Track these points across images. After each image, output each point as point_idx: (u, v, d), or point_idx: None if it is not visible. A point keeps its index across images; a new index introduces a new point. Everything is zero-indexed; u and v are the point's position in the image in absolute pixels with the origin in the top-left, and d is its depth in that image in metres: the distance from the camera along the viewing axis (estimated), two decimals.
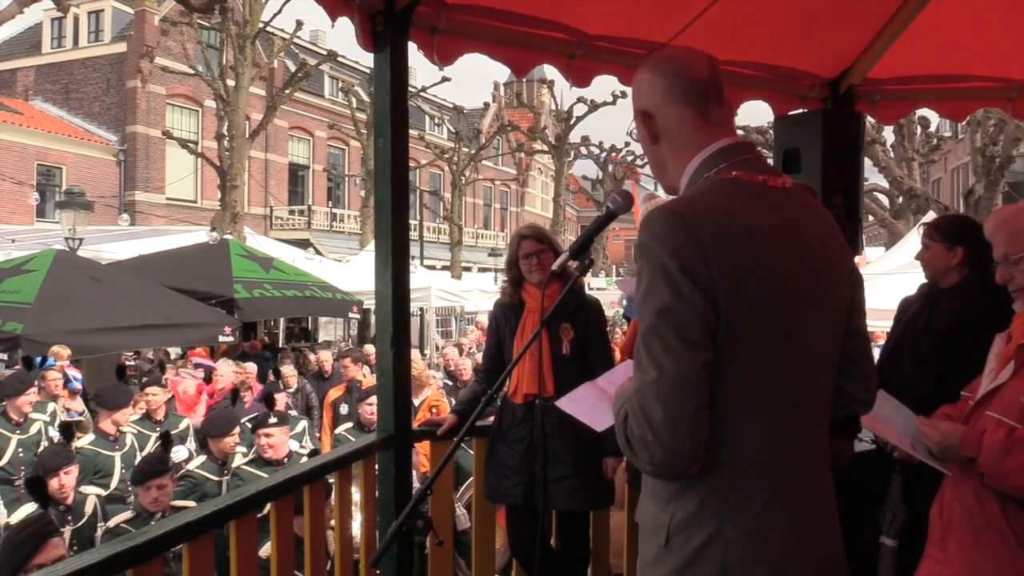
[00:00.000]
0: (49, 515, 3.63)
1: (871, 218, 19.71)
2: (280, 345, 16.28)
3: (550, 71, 3.73)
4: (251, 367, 9.25)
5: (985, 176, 15.48)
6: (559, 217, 30.51)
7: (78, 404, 7.69)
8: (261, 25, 16.59)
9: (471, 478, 4.05)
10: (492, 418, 3.55)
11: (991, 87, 4.28)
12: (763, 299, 1.45)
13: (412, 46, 3.12)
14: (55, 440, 6.41)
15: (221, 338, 9.80)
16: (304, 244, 23.68)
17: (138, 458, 5.88)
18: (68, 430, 5.93)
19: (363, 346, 11.68)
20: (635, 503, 3.52)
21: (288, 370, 9.44)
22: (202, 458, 5.40)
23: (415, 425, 3.58)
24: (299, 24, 18.58)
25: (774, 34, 3.81)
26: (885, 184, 18.90)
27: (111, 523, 4.41)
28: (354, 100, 22.83)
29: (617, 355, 3.90)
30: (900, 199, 18.22)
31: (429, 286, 16.31)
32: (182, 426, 6.87)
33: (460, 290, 18.29)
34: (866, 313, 1.74)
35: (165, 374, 9.88)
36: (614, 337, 14.98)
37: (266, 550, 3.03)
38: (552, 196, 32.48)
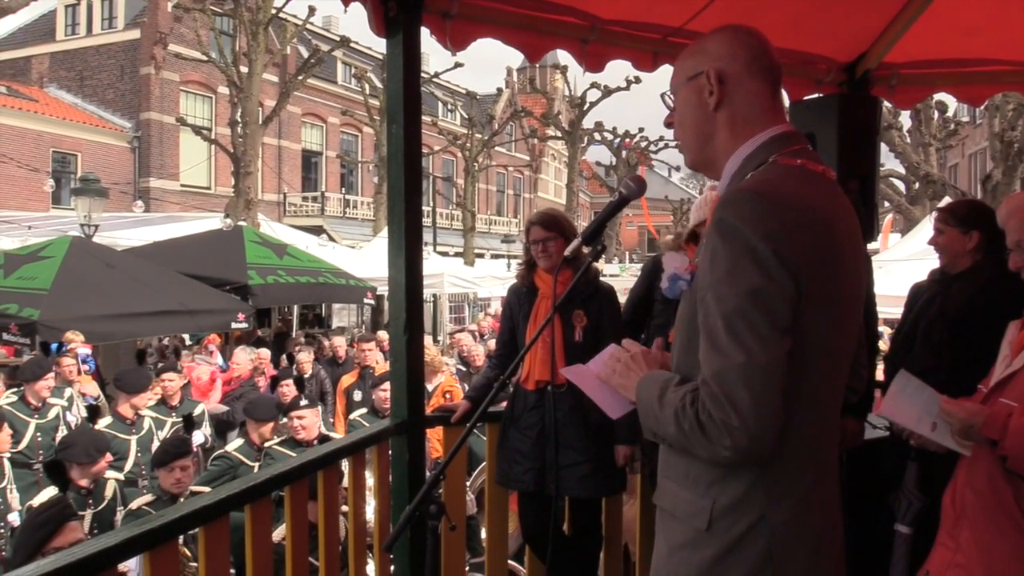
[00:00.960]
0: (67, 499, 3.68)
1: (887, 204, 19.57)
2: (294, 332, 16.34)
3: (563, 56, 3.71)
4: (264, 353, 9.32)
5: (1003, 162, 15.31)
6: (572, 203, 30.42)
7: (93, 388, 7.75)
8: (274, 11, 16.57)
9: (483, 464, 4.07)
10: (505, 404, 3.56)
11: (1009, 71, 4.23)
12: (830, 288, 1.46)
13: (425, 31, 3.11)
14: (73, 424, 6.49)
15: (234, 325, 9.85)
16: (317, 230, 23.75)
17: (155, 442, 5.94)
18: (94, 411, 6.01)
19: (376, 332, 11.71)
20: (646, 491, 3.55)
21: (303, 356, 9.51)
22: (240, 441, 5.47)
23: (428, 411, 3.59)
24: (312, 10, 18.55)
25: (789, 18, 3.77)
26: (901, 170, 18.75)
27: (133, 505, 4.46)
28: (367, 86, 22.80)
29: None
30: (917, 185, 18.08)
31: (442, 272, 16.33)
32: (197, 411, 6.92)
33: (473, 276, 18.30)
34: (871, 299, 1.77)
35: (180, 360, 9.96)
36: None
37: (280, 534, 3.05)
38: (565, 182, 32.37)
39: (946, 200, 11.63)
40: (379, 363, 8.45)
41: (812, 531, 1.50)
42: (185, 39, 23.61)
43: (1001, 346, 2.25)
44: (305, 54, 21.50)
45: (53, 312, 8.10)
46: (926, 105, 17.33)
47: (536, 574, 3.53)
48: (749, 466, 1.46)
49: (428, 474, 3.20)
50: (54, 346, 7.81)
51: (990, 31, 3.90)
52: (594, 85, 27.25)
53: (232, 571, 2.64)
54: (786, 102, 4.28)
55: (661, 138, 31.91)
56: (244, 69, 16.30)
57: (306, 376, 8.96)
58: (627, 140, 31.62)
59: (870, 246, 3.80)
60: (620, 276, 25.22)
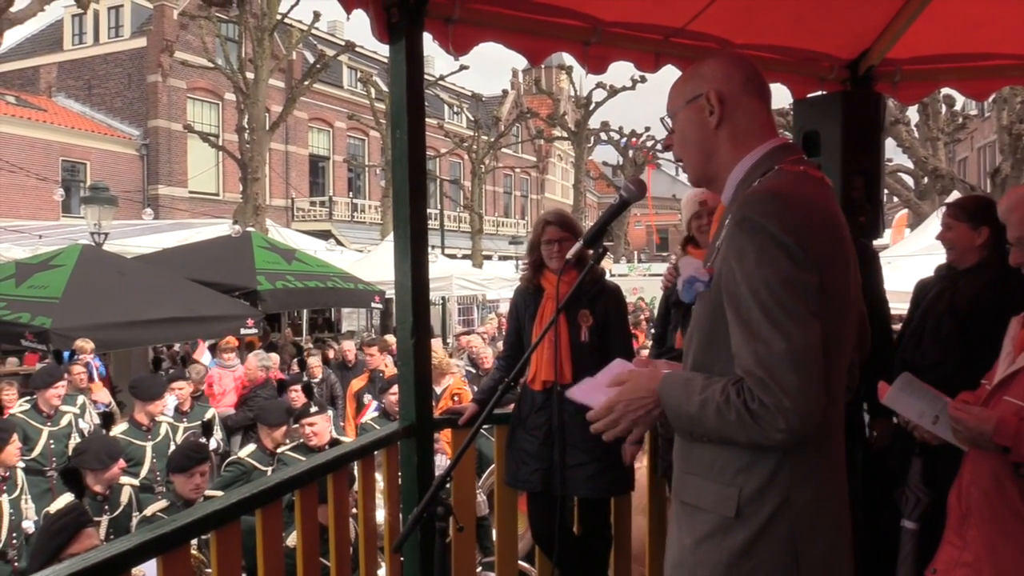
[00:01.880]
0: (83, 505, 3.72)
1: (895, 199, 19.48)
2: (304, 336, 16.40)
3: (568, 57, 3.73)
4: (274, 357, 9.37)
5: (1012, 155, 15.22)
6: (579, 203, 30.43)
7: (104, 395, 7.81)
8: (279, 17, 16.64)
9: (492, 465, 4.08)
10: (512, 405, 3.57)
11: (1013, 65, 4.21)
12: (841, 282, 1.56)
13: (427, 36, 3.13)
14: (85, 431, 6.54)
15: (243, 331, 9.90)
16: (326, 235, 23.81)
17: (171, 448, 5.98)
18: (108, 418, 6.05)
19: (385, 336, 11.75)
20: (658, 494, 3.56)
21: (313, 360, 9.56)
22: (252, 446, 5.50)
23: (437, 413, 3.61)
24: (316, 15, 18.62)
25: (791, 16, 3.78)
26: (910, 164, 18.66)
27: (147, 512, 4.48)
28: (372, 90, 22.88)
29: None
30: (925, 179, 17.99)
31: (450, 275, 16.35)
32: (208, 416, 6.97)
33: (481, 278, 18.32)
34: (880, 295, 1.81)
35: (187, 367, 10.00)
36: (640, 323, 14.97)
37: (291, 539, 3.08)
38: (572, 183, 32.38)
39: (955, 195, 11.59)
40: (387, 366, 8.49)
41: (832, 518, 1.59)
42: (191, 46, 23.72)
43: (1003, 342, 2.25)
44: (311, 59, 21.60)
45: (65, 320, 8.16)
46: (933, 99, 17.23)
47: (547, 574, 3.54)
48: (775, 452, 1.53)
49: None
50: (66, 354, 7.86)
51: (993, 25, 3.89)
52: (600, 85, 27.27)
53: (243, 575, 2.66)
54: (789, 100, 4.30)
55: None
56: (250, 75, 16.38)
57: (315, 380, 9.01)
58: (633, 139, 31.60)
59: (877, 242, 3.80)
60: (628, 276, 25.22)
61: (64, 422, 6.66)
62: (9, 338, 8.52)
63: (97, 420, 6.83)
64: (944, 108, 18.43)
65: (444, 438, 5.30)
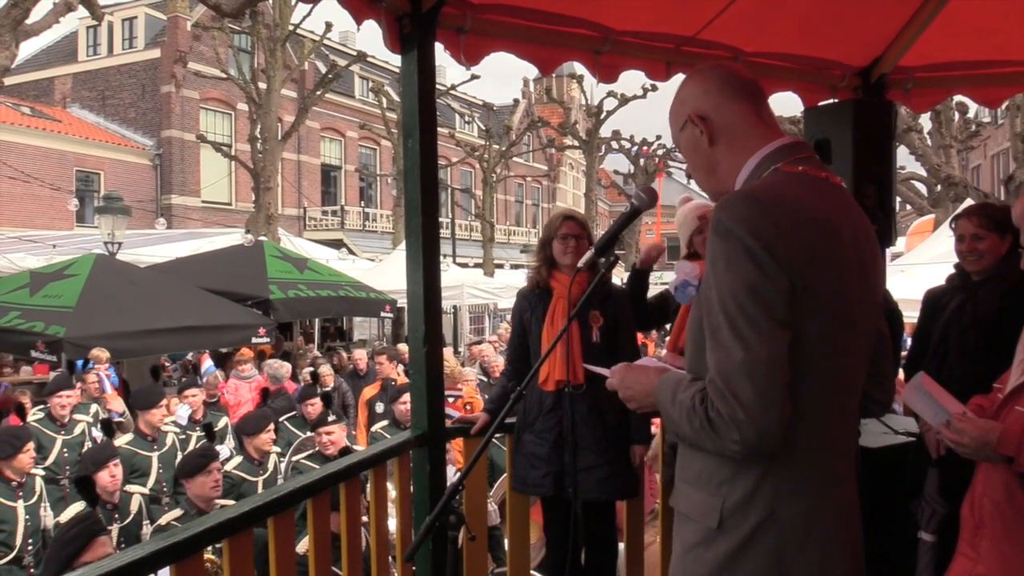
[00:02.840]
0: (97, 514, 3.73)
1: (908, 207, 19.38)
2: (315, 344, 16.42)
3: (579, 66, 3.74)
4: (287, 366, 9.39)
5: None
6: (591, 212, 30.37)
7: (119, 405, 7.84)
8: (291, 28, 16.72)
9: (504, 475, 4.07)
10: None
11: None
12: (829, 289, 1.50)
13: (439, 46, 3.15)
14: (99, 440, 6.57)
15: (254, 340, 9.93)
16: (337, 244, 23.87)
17: (178, 458, 5.99)
18: (108, 426, 6.07)
19: (397, 344, 11.77)
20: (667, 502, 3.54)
21: (325, 369, 9.58)
22: (239, 459, 5.52)
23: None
24: (328, 26, 18.71)
25: (802, 24, 3.78)
26: (923, 172, 18.56)
27: (162, 521, 4.49)
28: (384, 100, 22.94)
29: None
30: (938, 187, 17.89)
31: (462, 284, 16.36)
32: (220, 424, 6.98)
33: (493, 287, 18.31)
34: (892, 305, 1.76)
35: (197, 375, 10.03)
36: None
37: (303, 546, 3.08)
38: (584, 191, 32.33)
39: (968, 202, 11.52)
40: (400, 375, 8.50)
41: (825, 532, 1.52)
42: (204, 57, 23.89)
43: (1016, 350, 2.23)
44: (323, 69, 21.71)
45: (78, 329, 8.21)
46: (946, 107, 17.14)
47: None
48: (757, 464, 1.49)
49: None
50: (79, 363, 7.90)
51: (1006, 32, 3.88)
52: (611, 94, 27.22)
53: None
54: (800, 109, 4.29)
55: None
56: (263, 85, 16.46)
57: (327, 389, 9.02)
58: (645, 148, 31.52)
59: (891, 250, 3.78)
60: None
61: (78, 431, 6.70)
62: (22, 348, 8.57)
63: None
64: (957, 115, 18.33)
65: (455, 447, 5.31)
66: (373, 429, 6.79)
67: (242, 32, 18.24)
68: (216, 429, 6.67)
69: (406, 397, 5.80)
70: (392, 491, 3.39)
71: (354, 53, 23.33)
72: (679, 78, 3.72)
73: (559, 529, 3.42)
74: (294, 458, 5.42)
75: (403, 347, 10.14)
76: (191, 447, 6.33)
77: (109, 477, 4.88)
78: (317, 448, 5.44)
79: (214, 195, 26.43)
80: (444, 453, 3.29)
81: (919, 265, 10.08)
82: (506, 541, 3.81)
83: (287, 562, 2.47)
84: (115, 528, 4.87)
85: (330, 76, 18.33)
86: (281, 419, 6.81)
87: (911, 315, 3.94)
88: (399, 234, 20.30)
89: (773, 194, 1.52)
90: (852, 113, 3.76)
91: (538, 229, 40.51)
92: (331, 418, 5.37)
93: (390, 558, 3.29)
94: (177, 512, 4.53)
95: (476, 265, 25.74)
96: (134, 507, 5.14)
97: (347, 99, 30.96)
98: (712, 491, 1.55)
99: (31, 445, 5.25)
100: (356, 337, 20.48)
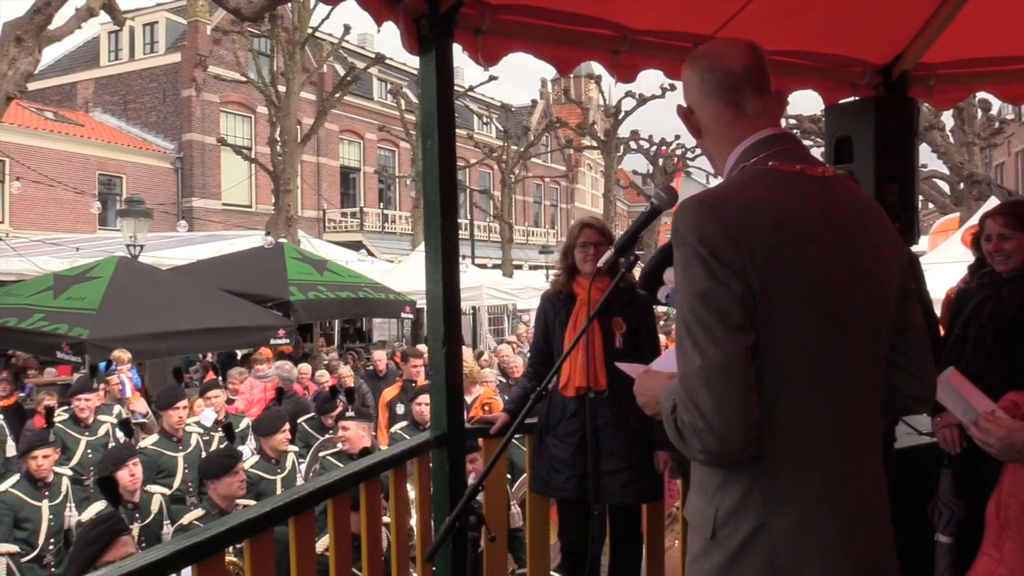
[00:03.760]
0: (119, 514, 3.76)
1: (931, 205, 19.19)
2: (335, 345, 16.50)
3: (597, 66, 3.73)
4: (305, 367, 9.43)
5: None
6: (610, 213, 30.32)
7: (141, 405, 7.90)
8: (310, 31, 16.81)
9: (524, 475, 4.07)
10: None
11: None
12: (802, 287, 1.45)
13: (457, 47, 3.15)
14: (122, 441, 6.63)
15: (273, 341, 9.98)
16: (357, 246, 23.97)
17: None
18: (127, 426, 6.12)
19: (416, 346, 11.80)
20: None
21: (345, 370, 9.60)
22: (255, 458, 5.55)
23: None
24: (347, 29, 18.81)
25: (823, 21, 3.75)
26: (945, 170, 18.39)
27: (184, 520, 4.53)
28: (403, 102, 23.02)
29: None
30: (961, 185, 17.72)
31: (481, 285, 16.38)
32: (242, 425, 7.02)
33: (512, 288, 18.32)
34: (928, 303, 1.70)
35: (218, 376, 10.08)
36: (671, 331, 14.91)
37: (323, 545, 3.09)
38: (602, 192, 32.31)
39: (992, 201, 11.39)
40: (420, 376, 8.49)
41: (826, 548, 1.45)
42: (224, 61, 24.10)
43: None
44: (341, 72, 21.76)
45: (101, 331, 8.29)
46: (969, 104, 16.97)
47: None
48: (743, 472, 1.46)
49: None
50: (103, 365, 7.98)
51: None
52: (629, 94, 27.16)
53: None
54: (821, 106, 4.26)
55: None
56: (282, 88, 16.56)
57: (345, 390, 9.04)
58: (663, 148, 31.43)
59: (914, 249, 3.74)
60: (663, 285, 24.97)
61: (101, 432, 6.76)
62: (46, 349, 8.67)
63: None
64: (980, 112, 18.15)
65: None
66: (392, 430, 6.81)
67: (261, 36, 18.37)
68: (237, 430, 6.71)
69: (423, 398, 5.82)
70: (411, 492, 3.39)
71: (372, 55, 23.38)
72: None
73: (574, 532, 3.42)
74: (320, 454, 5.47)
75: (423, 348, 10.15)
76: (214, 446, 6.37)
77: (129, 476, 4.93)
78: (340, 447, 5.49)
79: (234, 198, 26.62)
80: (464, 453, 3.29)
81: (942, 264, 9.98)
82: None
83: (308, 562, 2.48)
84: (136, 528, 4.91)
85: (348, 78, 18.40)
86: (299, 421, 6.85)
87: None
88: (418, 235, 20.36)
89: (724, 197, 1.50)
90: (873, 111, 3.72)
91: (556, 230, 40.54)
92: (350, 413, 5.38)
93: (410, 559, 3.29)
94: (199, 512, 4.56)
95: (495, 266, 25.78)
96: (155, 507, 5.18)
97: (366, 101, 31.08)
98: (708, 499, 1.53)
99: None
100: (376, 338, 20.55)
